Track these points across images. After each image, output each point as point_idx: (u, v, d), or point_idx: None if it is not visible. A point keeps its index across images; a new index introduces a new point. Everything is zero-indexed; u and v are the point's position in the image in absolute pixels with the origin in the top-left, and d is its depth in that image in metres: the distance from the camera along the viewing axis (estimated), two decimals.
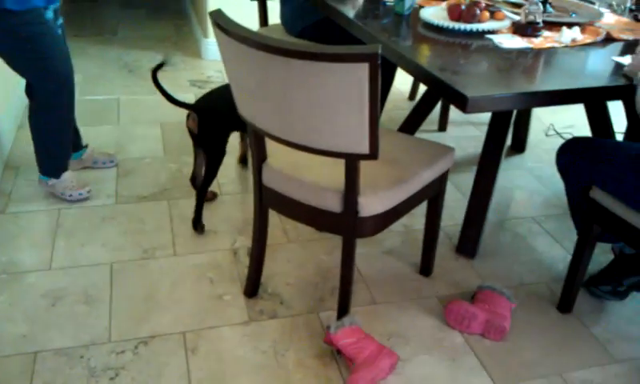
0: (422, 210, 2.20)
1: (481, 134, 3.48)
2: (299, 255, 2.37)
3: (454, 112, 3.60)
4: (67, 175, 2.60)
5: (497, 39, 2.07)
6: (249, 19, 2.97)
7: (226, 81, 3.99)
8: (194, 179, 2.57)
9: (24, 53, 2.30)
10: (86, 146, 2.85)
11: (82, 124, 2.93)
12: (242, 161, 2.99)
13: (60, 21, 2.42)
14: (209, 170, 2.43)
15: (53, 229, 2.43)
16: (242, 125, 2.42)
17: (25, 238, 2.37)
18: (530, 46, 2.03)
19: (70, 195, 2.59)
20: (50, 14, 2.30)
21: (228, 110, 2.29)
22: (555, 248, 2.51)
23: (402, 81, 4.13)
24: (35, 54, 2.30)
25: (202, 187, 2.45)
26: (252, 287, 2.13)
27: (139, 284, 2.15)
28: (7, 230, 2.40)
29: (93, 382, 1.76)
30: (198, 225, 2.46)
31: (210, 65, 4.31)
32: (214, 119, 2.39)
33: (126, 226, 2.47)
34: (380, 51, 1.36)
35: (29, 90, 2.45)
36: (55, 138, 2.52)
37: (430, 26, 2.17)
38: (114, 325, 1.97)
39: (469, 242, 2.39)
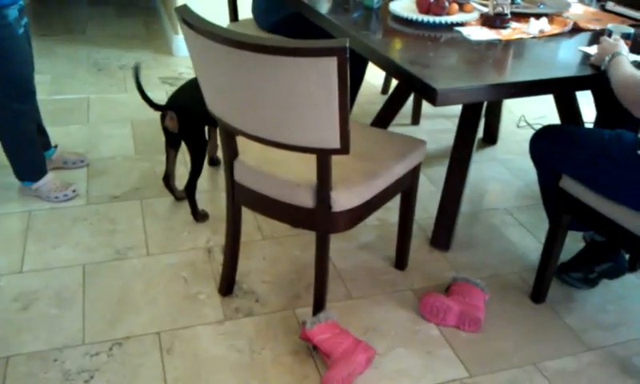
0: (396, 203, 2.21)
1: (453, 126, 3.46)
2: (274, 252, 2.36)
3: (426, 105, 3.61)
4: (49, 177, 2.57)
5: (465, 31, 2.09)
6: (218, 15, 2.95)
7: None
8: (167, 178, 2.55)
9: None
10: (56, 147, 2.80)
11: (50, 124, 2.89)
12: (212, 162, 2.95)
13: (25, 20, 2.37)
14: (195, 165, 2.44)
15: (23, 231, 2.39)
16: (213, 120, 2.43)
17: None
18: (499, 37, 2.05)
19: (57, 197, 2.56)
20: (14, 13, 2.24)
21: (202, 106, 2.30)
22: (528, 238, 2.53)
23: (375, 75, 4.14)
24: None
25: (191, 183, 2.46)
26: (227, 285, 2.11)
27: (112, 285, 2.13)
28: None
29: None
30: (197, 216, 2.51)
31: (181, 61, 4.27)
32: (193, 116, 2.38)
33: (97, 227, 2.44)
34: (348, 45, 1.36)
35: None
36: (22, 142, 2.48)
37: (399, 19, 2.18)
38: (88, 327, 1.95)
39: (442, 235, 2.41)
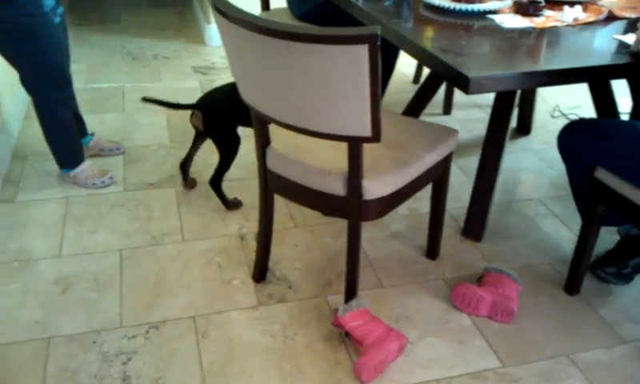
0: (427, 192, 2.21)
1: (486, 116, 3.47)
2: (306, 239, 2.38)
3: (458, 94, 3.59)
4: (86, 165, 2.64)
5: (498, 19, 2.06)
6: (250, 3, 2.97)
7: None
8: (184, 163, 2.61)
9: (18, 45, 2.29)
10: (92, 134, 2.86)
11: (87, 112, 2.96)
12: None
13: (61, 9, 2.42)
14: (222, 161, 2.48)
15: (62, 216, 2.45)
16: (247, 120, 2.40)
17: (35, 226, 2.39)
18: (532, 25, 2.02)
19: (94, 184, 2.62)
20: (50, 2, 2.29)
21: (231, 106, 2.36)
22: (562, 229, 2.51)
23: (406, 63, 4.13)
24: (29, 47, 2.30)
25: (216, 177, 2.49)
26: (260, 272, 2.14)
27: (149, 270, 2.18)
28: (17, 219, 2.43)
29: (106, 366, 1.79)
30: (229, 205, 2.55)
31: (213, 51, 4.31)
32: (217, 116, 2.44)
33: (134, 213, 2.49)
34: (379, 32, 1.36)
35: (25, 84, 2.45)
36: (60, 130, 2.54)
37: (431, 7, 2.17)
38: (125, 310, 2.00)
39: (475, 225, 2.40)
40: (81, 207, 2.52)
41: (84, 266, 2.19)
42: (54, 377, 1.74)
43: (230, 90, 2.41)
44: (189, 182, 2.67)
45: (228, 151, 2.48)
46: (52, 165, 2.71)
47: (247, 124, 2.53)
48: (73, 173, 2.61)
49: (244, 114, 2.37)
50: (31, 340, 1.87)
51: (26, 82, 2.42)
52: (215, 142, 2.48)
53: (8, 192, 2.59)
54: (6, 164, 2.77)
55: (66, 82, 2.51)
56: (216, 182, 2.50)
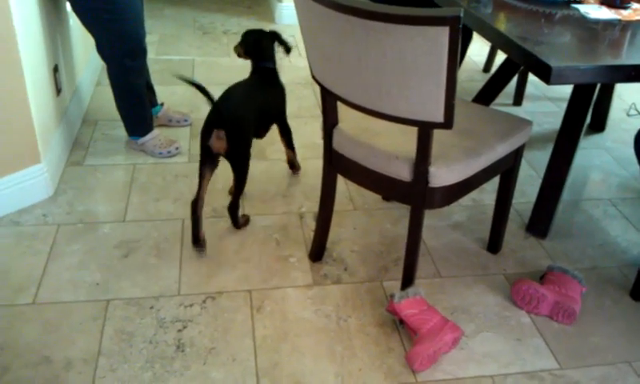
0: (492, 184, 2.15)
1: (558, 109, 3.36)
2: (364, 223, 2.36)
3: (530, 86, 3.48)
4: (154, 133, 2.69)
5: (583, 9, 1.98)
6: None
7: (298, 45, 3.99)
8: (196, 203, 2.11)
9: (98, 13, 2.35)
10: (162, 104, 2.91)
11: (157, 83, 3.01)
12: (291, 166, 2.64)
13: None
14: (242, 182, 2.16)
15: (128, 183, 2.51)
16: (263, 130, 2.35)
17: (101, 189, 2.46)
18: (618, 17, 1.93)
19: (160, 153, 2.67)
20: None
21: (253, 119, 2.14)
22: (631, 232, 2.40)
23: (477, 52, 4.03)
24: (109, 15, 2.35)
25: (235, 202, 2.19)
26: (317, 251, 2.14)
27: (209, 241, 2.20)
28: (85, 181, 2.50)
29: (161, 332, 1.82)
30: (239, 224, 2.26)
31: (283, 29, 4.29)
32: (245, 132, 2.10)
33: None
34: (462, 15, 1.32)
35: (100, 51, 2.51)
36: (132, 98, 2.59)
37: None
38: (184, 279, 2.03)
39: (540, 221, 2.32)
40: (146, 175, 2.57)
41: (146, 233, 2.23)
42: (110, 338, 1.79)
43: (247, 96, 2.15)
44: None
45: (247, 171, 2.17)
46: (120, 131, 2.77)
47: (259, 135, 2.37)
48: (141, 141, 2.67)
49: (261, 123, 2.28)
50: (91, 301, 1.93)
51: (103, 49, 2.48)
52: (237, 162, 2.12)
53: (77, 155, 2.67)
54: (77, 128, 2.85)
55: (142, 51, 2.55)
56: (235, 207, 2.20)
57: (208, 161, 2.09)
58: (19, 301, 1.90)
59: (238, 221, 2.25)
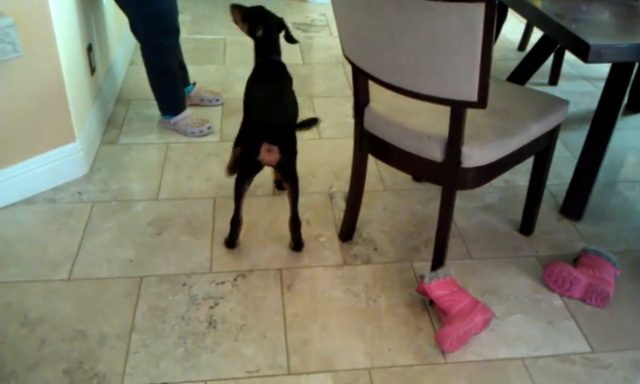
0: (524, 165, 2.12)
1: (595, 89, 3.28)
2: (394, 204, 2.35)
3: (566, 65, 3.40)
4: (187, 113, 2.71)
5: None
6: None
7: (330, 24, 3.97)
8: (238, 223, 2.03)
9: None
10: (194, 84, 2.93)
11: (189, 62, 3.02)
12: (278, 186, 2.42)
13: None
14: (296, 190, 2.00)
15: (161, 161, 2.54)
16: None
17: (135, 168, 2.49)
18: None
19: (192, 132, 2.70)
20: None
21: (292, 115, 2.03)
22: None
23: (512, 29, 3.95)
24: None
25: (296, 220, 2.03)
26: (347, 231, 2.14)
27: None
28: (119, 160, 2.53)
29: (193, 309, 1.85)
30: (300, 240, 2.09)
31: (314, 8, 4.29)
32: (294, 135, 1.96)
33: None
34: None
35: (134, 30, 2.53)
36: (165, 77, 2.61)
37: None
38: (215, 256, 2.05)
39: (575, 203, 2.28)
40: (179, 154, 2.60)
41: (179, 210, 2.26)
42: (143, 314, 1.83)
43: (281, 99, 2.03)
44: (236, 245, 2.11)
45: (297, 175, 2.01)
46: (153, 110, 2.80)
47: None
48: (174, 120, 2.69)
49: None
50: (125, 277, 1.96)
51: (136, 28, 2.49)
52: (290, 170, 1.97)
53: (111, 134, 2.71)
54: (111, 107, 2.89)
55: (175, 30, 2.57)
56: (298, 221, 2.05)
57: (251, 176, 1.97)
58: (55, 277, 1.95)
59: (301, 239, 2.08)
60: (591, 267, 1.96)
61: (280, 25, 2.20)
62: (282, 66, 2.19)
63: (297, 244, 2.08)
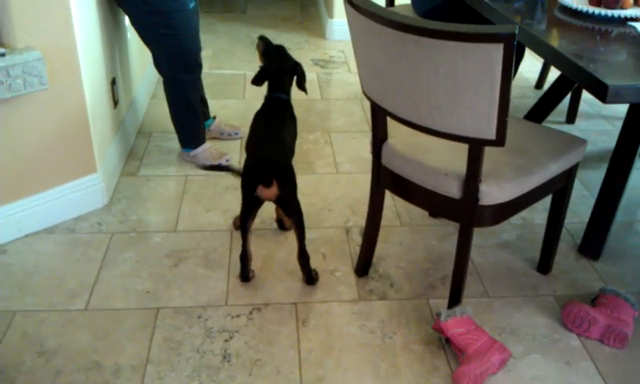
0: (542, 203, 2.11)
1: (613, 128, 3.27)
2: (411, 239, 2.35)
3: (584, 104, 3.41)
4: (206, 146, 2.75)
5: None
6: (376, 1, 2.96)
7: (348, 60, 4.02)
8: (247, 257, 2.05)
9: (156, 28, 2.41)
10: (214, 118, 2.97)
11: (209, 96, 3.07)
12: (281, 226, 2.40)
13: None
14: (301, 224, 2.00)
15: (180, 193, 2.57)
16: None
17: (154, 200, 2.52)
18: None
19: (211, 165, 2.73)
20: None
21: (289, 149, 2.06)
22: None
23: (529, 68, 3.97)
24: (167, 30, 2.41)
25: (304, 248, 2.04)
26: (363, 266, 2.14)
27: (256, 253, 2.22)
28: (138, 191, 2.56)
29: (208, 341, 1.85)
30: (311, 274, 2.09)
31: (333, 45, 4.35)
32: (291, 169, 1.99)
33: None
34: (517, 32, 1.31)
35: (157, 65, 2.58)
36: (186, 111, 2.66)
37: (567, 10, 2.07)
38: (231, 289, 2.06)
39: (593, 242, 2.26)
40: (197, 186, 2.62)
41: (196, 243, 2.27)
42: (159, 346, 1.83)
43: (276, 133, 2.04)
44: (250, 277, 2.11)
45: (301, 208, 2.01)
46: (173, 143, 2.84)
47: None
48: (193, 152, 2.72)
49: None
50: (142, 308, 1.97)
51: (160, 63, 2.55)
52: (291, 204, 1.99)
53: (132, 166, 2.74)
54: (132, 139, 2.94)
55: (198, 66, 2.62)
56: (306, 255, 2.05)
57: (254, 211, 1.99)
58: (72, 306, 1.96)
59: (312, 273, 2.09)
60: (609, 308, 1.93)
61: (294, 69, 2.21)
62: (286, 104, 2.18)
63: (308, 278, 2.09)
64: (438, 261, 2.24)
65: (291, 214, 2.01)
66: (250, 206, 1.97)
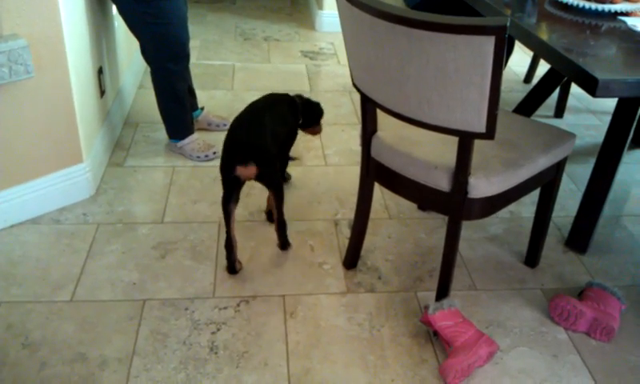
0: (530, 197, 2.12)
1: (600, 123, 3.29)
2: (399, 232, 2.35)
3: (572, 98, 3.42)
4: (194, 137, 2.73)
5: (630, 22, 1.94)
6: None
7: (337, 52, 4.00)
8: (231, 245, 2.03)
9: (143, 17, 2.39)
10: (202, 109, 2.95)
11: (197, 87, 3.04)
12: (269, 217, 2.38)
13: None
14: (280, 197, 2.07)
15: (167, 184, 2.55)
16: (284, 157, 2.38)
17: (140, 191, 2.49)
18: None
19: (198, 157, 2.71)
20: None
21: (274, 138, 2.07)
22: None
23: (518, 62, 3.98)
24: (154, 19, 2.39)
25: (282, 215, 2.11)
26: (351, 259, 2.14)
27: (244, 245, 2.22)
28: (125, 182, 2.54)
29: (195, 333, 1.84)
30: (285, 246, 2.20)
31: (322, 36, 4.33)
32: (268, 147, 2.00)
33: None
34: (508, 24, 1.30)
35: (145, 54, 2.56)
36: (173, 102, 2.63)
37: (557, 4, 2.07)
38: (219, 281, 2.05)
39: (580, 236, 2.27)
40: (185, 177, 2.60)
41: (184, 234, 2.26)
42: (145, 338, 1.81)
43: (255, 115, 2.06)
44: (237, 269, 2.10)
45: (281, 182, 2.11)
46: (160, 134, 2.82)
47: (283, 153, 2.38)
48: (180, 144, 2.70)
49: (280, 139, 2.19)
50: (128, 300, 1.95)
51: (147, 52, 2.52)
52: (271, 179, 2.04)
53: (118, 156, 2.72)
54: (119, 130, 2.91)
55: (185, 56, 2.59)
56: (284, 223, 2.14)
57: (235, 193, 2.00)
58: (57, 298, 1.94)
59: (288, 240, 2.18)
60: (596, 301, 1.95)
61: (313, 107, 2.39)
62: (284, 98, 2.27)
63: (283, 244, 2.19)
64: (427, 254, 2.24)
65: (272, 188, 2.05)
66: (230, 187, 1.99)
